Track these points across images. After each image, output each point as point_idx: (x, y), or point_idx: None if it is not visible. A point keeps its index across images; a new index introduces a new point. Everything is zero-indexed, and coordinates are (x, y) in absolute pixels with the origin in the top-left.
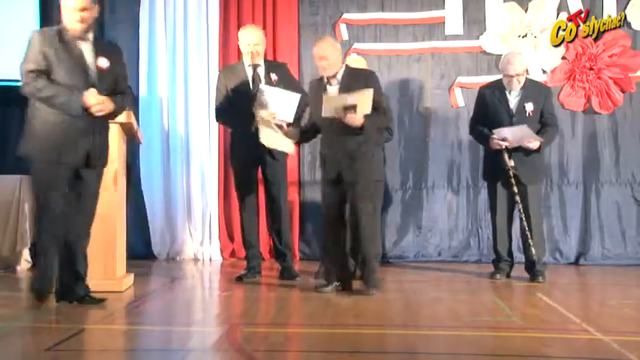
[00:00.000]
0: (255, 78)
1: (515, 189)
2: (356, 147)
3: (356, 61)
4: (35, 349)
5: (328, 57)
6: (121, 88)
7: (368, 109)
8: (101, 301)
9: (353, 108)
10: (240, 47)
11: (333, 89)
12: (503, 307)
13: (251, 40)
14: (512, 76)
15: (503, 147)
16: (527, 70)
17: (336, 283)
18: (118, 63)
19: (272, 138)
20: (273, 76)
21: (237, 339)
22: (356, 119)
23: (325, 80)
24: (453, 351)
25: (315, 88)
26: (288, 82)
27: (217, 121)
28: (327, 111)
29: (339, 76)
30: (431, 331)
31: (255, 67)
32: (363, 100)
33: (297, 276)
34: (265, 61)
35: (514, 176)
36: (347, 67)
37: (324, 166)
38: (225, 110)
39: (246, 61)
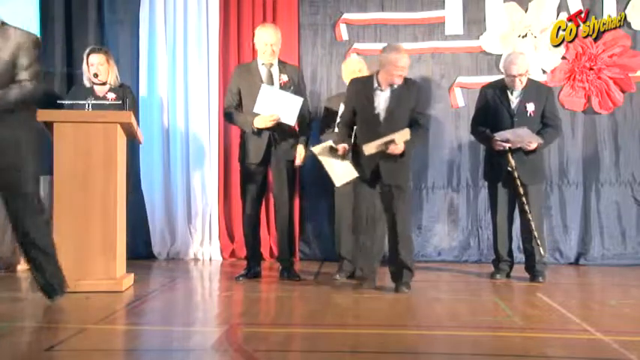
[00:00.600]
0: (268, 77)
1: (521, 190)
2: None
3: (357, 62)
4: (35, 349)
5: (407, 68)
6: (20, 79)
7: (407, 137)
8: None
9: (393, 141)
10: (256, 45)
11: (384, 94)
12: (503, 307)
13: (268, 39)
14: (514, 76)
15: (507, 148)
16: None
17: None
18: (18, 53)
19: (341, 171)
20: (284, 77)
21: (237, 339)
22: (397, 148)
23: (376, 85)
24: (453, 351)
25: (360, 86)
26: (297, 85)
27: (225, 119)
28: (368, 151)
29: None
30: (431, 331)
31: (269, 66)
32: (402, 136)
33: (298, 276)
34: (279, 62)
35: (510, 175)
36: None
37: (359, 165)
38: (235, 109)
39: (260, 60)
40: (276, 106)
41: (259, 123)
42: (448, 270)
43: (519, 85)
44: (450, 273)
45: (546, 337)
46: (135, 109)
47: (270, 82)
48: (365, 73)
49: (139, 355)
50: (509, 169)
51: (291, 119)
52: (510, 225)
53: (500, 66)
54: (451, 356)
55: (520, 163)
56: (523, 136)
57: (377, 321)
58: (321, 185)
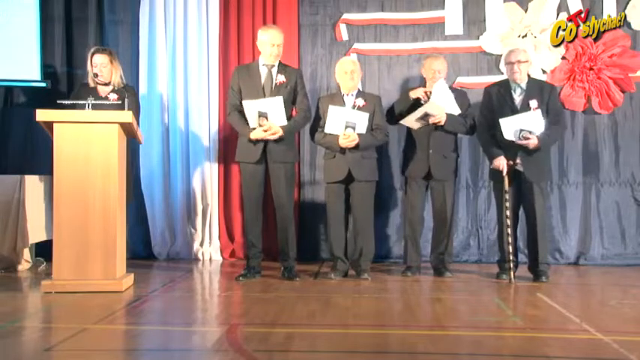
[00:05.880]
0: (267, 78)
1: (507, 186)
2: (450, 147)
3: (350, 63)
4: (35, 349)
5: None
6: None
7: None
8: None
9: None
10: (260, 47)
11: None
12: (503, 307)
13: (275, 40)
14: (513, 63)
15: (504, 170)
16: (529, 65)
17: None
18: None
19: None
20: (281, 77)
21: (237, 339)
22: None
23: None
24: (453, 351)
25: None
26: (295, 87)
27: (228, 120)
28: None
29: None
30: (431, 331)
31: (270, 67)
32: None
33: (298, 276)
34: (280, 63)
35: (516, 173)
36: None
37: (412, 165)
38: (239, 110)
39: (263, 60)
40: (265, 113)
41: (256, 136)
42: (448, 270)
43: (519, 76)
44: (450, 273)
45: (546, 337)
46: (136, 109)
47: (270, 82)
48: (357, 74)
49: (138, 355)
50: (515, 167)
51: (281, 120)
52: (515, 224)
53: (502, 61)
54: (451, 356)
55: (526, 161)
56: (532, 126)
57: (377, 321)
58: (320, 184)
